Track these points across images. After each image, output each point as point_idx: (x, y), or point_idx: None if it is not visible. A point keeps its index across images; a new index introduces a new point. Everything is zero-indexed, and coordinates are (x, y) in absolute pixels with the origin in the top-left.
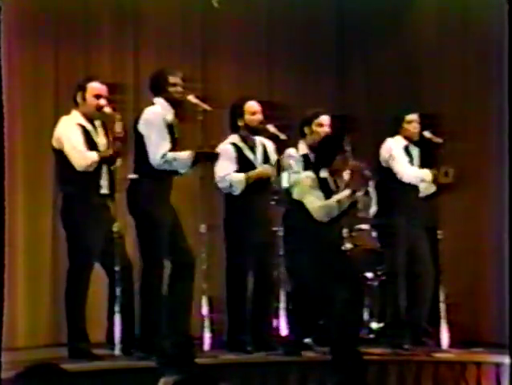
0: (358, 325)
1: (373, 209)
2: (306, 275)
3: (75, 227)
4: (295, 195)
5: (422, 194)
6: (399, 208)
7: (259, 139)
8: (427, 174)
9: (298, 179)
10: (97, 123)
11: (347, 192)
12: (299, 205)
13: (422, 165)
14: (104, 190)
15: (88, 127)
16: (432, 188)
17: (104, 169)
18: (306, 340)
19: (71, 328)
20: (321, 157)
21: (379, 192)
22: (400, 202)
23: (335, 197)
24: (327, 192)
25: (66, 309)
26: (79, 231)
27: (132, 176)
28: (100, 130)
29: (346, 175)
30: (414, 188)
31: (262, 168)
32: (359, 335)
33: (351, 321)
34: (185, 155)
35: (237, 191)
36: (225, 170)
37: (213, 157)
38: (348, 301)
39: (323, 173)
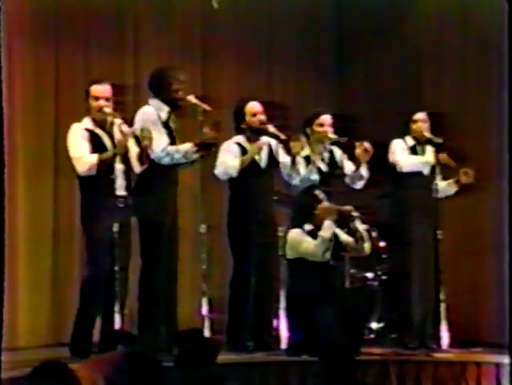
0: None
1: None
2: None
3: (90, 228)
4: (289, 254)
5: (442, 194)
6: (402, 208)
7: (266, 139)
8: (428, 159)
9: (287, 239)
10: (115, 129)
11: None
12: (297, 262)
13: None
14: (120, 191)
15: (97, 131)
16: (454, 189)
17: (120, 169)
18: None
19: (76, 327)
20: (300, 216)
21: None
22: (403, 202)
23: (323, 230)
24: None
25: (80, 306)
26: (94, 232)
27: None
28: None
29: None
30: (418, 187)
31: (253, 147)
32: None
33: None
34: (187, 146)
35: (233, 173)
36: (224, 158)
37: (214, 145)
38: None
39: (308, 227)
